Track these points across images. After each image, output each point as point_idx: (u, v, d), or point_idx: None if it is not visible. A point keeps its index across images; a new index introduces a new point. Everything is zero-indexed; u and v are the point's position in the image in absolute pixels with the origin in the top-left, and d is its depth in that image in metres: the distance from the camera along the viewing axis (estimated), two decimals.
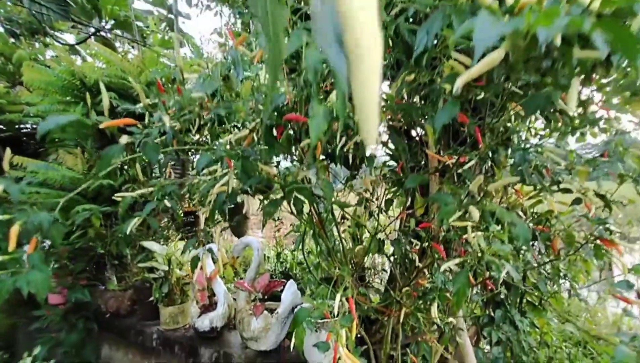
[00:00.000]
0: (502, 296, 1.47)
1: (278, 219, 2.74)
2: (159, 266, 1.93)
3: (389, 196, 0.98)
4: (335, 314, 0.59)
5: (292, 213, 0.72)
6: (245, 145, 0.71)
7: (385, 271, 1.35)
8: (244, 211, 3.09)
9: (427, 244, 0.83)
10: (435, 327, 0.92)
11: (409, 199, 0.95)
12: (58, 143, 2.73)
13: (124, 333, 2.00)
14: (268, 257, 2.69)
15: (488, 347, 1.52)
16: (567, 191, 0.74)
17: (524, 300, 1.57)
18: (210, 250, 1.88)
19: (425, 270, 0.89)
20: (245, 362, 1.52)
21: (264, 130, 0.65)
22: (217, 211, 0.73)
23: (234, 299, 1.81)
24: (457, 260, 0.65)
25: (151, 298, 1.93)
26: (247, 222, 2.99)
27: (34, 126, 3.38)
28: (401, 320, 0.92)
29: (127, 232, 0.86)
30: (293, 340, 0.64)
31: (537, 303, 1.57)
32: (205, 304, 1.83)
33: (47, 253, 2.44)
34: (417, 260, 0.89)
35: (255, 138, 0.71)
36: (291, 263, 2.51)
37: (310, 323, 0.61)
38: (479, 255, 0.60)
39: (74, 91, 2.45)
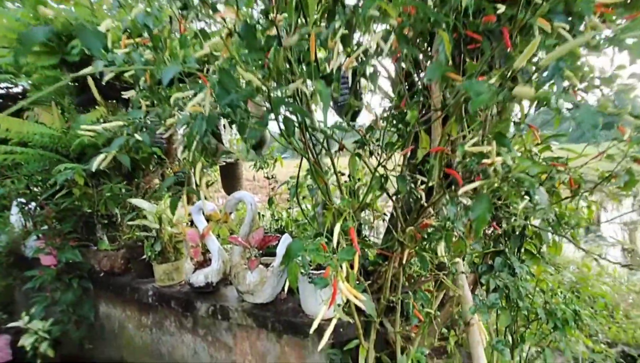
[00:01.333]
0: (501, 246, 1.45)
1: (272, 177, 2.66)
2: (150, 224, 1.87)
3: (391, 138, 0.89)
4: (335, 246, 0.52)
5: (281, 134, 0.62)
6: (223, 54, 0.59)
7: (386, 214, 1.29)
8: (238, 172, 3.00)
9: (437, 174, 0.74)
10: (434, 272, 0.88)
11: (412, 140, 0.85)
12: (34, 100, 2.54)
13: (120, 291, 1.99)
14: (263, 216, 2.65)
15: (482, 297, 1.53)
16: None
17: (522, 249, 1.56)
18: (200, 208, 1.82)
19: (432, 209, 0.83)
20: (242, 314, 1.52)
21: (243, 30, 0.53)
22: (194, 144, 0.63)
23: (230, 257, 1.78)
24: (477, 183, 0.57)
25: (144, 256, 1.90)
26: (240, 182, 2.91)
27: (9, 87, 3.17)
28: (403, 262, 0.87)
29: (93, 170, 0.77)
30: (287, 284, 0.59)
31: (535, 252, 1.56)
32: (200, 261, 1.80)
33: (34, 215, 2.37)
34: (423, 198, 0.82)
35: (236, 56, 0.59)
36: (286, 221, 2.47)
37: (305, 264, 0.55)
38: (506, 174, 0.52)
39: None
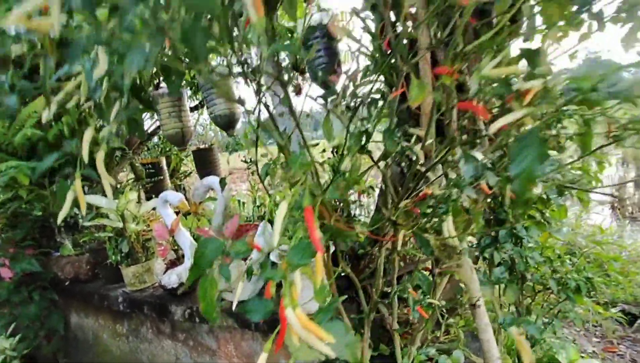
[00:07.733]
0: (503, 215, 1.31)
1: (251, 161, 2.45)
2: (112, 223, 1.65)
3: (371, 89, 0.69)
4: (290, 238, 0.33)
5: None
6: None
7: (374, 189, 1.12)
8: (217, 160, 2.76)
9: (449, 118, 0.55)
10: (439, 251, 0.72)
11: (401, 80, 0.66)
12: None
13: (89, 299, 1.79)
14: (244, 204, 2.45)
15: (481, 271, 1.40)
16: None
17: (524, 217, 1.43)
18: (166, 199, 1.61)
19: (433, 174, 0.65)
20: (222, 315, 1.35)
21: None
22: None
23: None
24: (523, 112, 0.38)
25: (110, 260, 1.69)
26: (217, 168, 2.69)
27: None
28: (398, 248, 0.71)
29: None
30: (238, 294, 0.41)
31: (539, 219, 1.43)
32: (172, 259, 1.61)
33: None
34: (421, 159, 0.63)
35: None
36: (269, 207, 2.28)
37: (223, 268, 0.37)
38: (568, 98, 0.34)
39: None
